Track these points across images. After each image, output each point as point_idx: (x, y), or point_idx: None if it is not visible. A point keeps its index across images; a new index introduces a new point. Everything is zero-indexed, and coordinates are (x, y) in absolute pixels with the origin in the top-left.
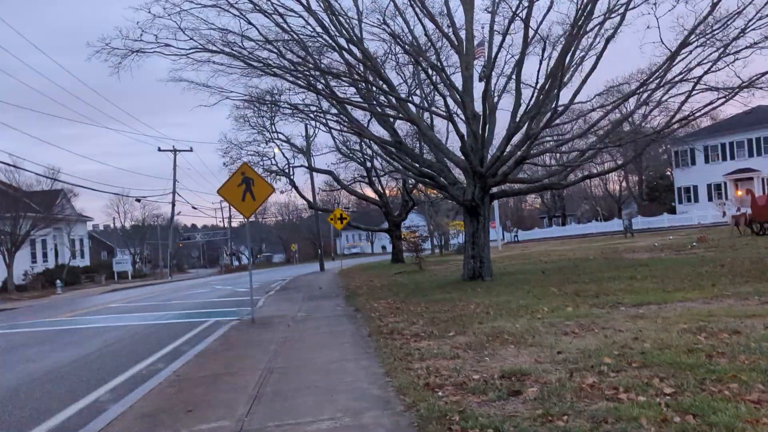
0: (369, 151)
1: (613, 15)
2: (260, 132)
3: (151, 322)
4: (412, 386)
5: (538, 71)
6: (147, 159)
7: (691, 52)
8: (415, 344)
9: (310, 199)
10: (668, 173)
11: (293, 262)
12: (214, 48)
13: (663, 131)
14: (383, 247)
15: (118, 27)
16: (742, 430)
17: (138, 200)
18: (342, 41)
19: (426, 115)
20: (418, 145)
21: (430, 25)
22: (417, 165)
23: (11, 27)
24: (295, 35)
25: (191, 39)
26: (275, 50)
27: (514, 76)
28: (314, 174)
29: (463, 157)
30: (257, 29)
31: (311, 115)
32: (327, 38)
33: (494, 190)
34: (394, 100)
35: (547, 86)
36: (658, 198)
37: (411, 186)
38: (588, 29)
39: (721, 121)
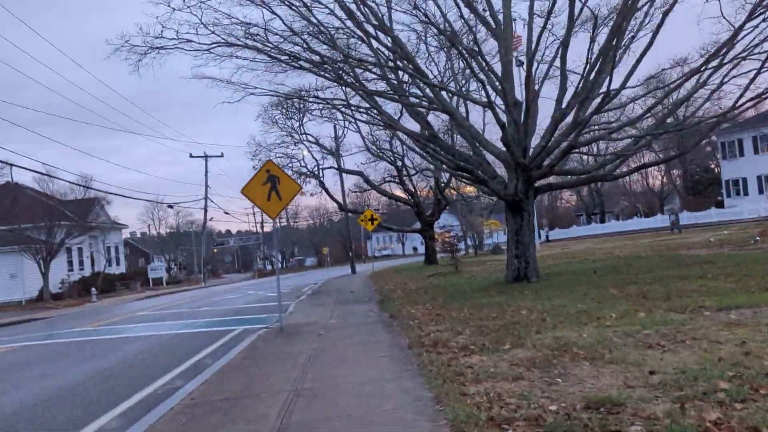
0: (399, 150)
1: None
2: (289, 134)
3: (176, 331)
4: (472, 421)
5: (589, 50)
6: (180, 167)
7: (757, 26)
8: (466, 360)
9: (340, 200)
10: (712, 166)
11: (325, 266)
12: (238, 42)
13: (731, 112)
14: (414, 249)
15: (137, 23)
16: None
17: (170, 206)
18: (370, 28)
19: (461, 107)
20: (451, 140)
21: (465, 10)
22: (453, 159)
23: (47, 41)
24: (321, 27)
25: (213, 33)
26: (301, 42)
27: (558, 59)
28: (344, 175)
29: (503, 149)
30: (281, 19)
31: (340, 109)
32: (354, 27)
33: (539, 183)
34: (427, 90)
35: (597, 67)
36: (702, 192)
37: (443, 184)
38: (640, 4)
39: None
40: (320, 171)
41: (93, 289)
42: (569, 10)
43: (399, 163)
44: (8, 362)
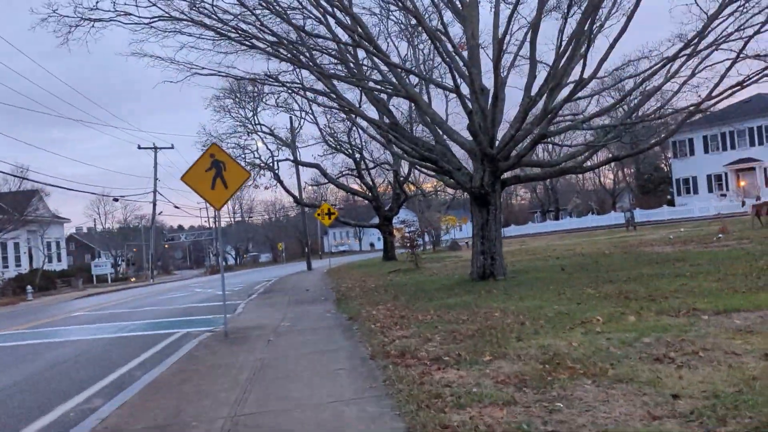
0: (358, 142)
1: None
2: (242, 124)
3: (109, 335)
4: None
5: (561, 33)
6: (131, 161)
7: (732, 14)
8: (441, 375)
9: (296, 194)
10: (662, 165)
11: (280, 262)
12: (182, 16)
13: (703, 104)
14: (372, 245)
15: None
16: None
17: (116, 200)
18: (328, 6)
19: (423, 96)
20: (411, 131)
21: None
22: (416, 148)
23: None
24: (274, 4)
25: (154, 5)
26: (254, 21)
27: (528, 44)
28: (300, 168)
29: (469, 138)
30: None
31: (297, 92)
32: (311, 5)
33: (506, 175)
34: (390, 76)
35: (568, 53)
36: (652, 191)
37: (403, 178)
38: None
39: (720, 110)
40: (275, 163)
41: (29, 287)
42: None
43: (357, 156)
44: None
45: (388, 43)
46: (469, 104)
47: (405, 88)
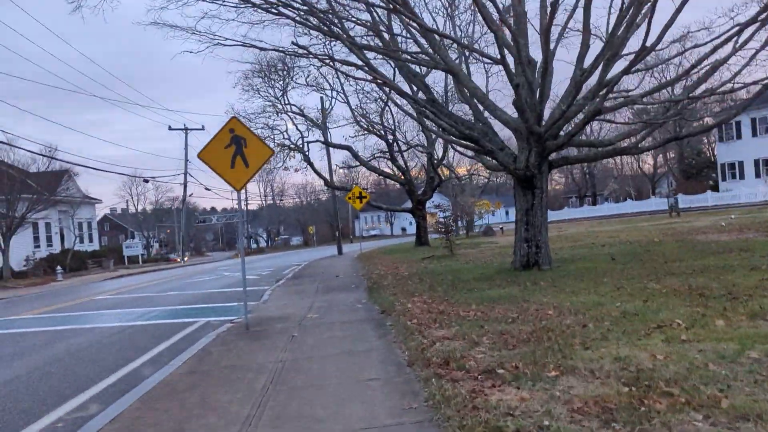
0: (391, 122)
1: None
2: (272, 104)
3: (127, 322)
4: None
5: None
6: (165, 143)
7: None
8: (497, 396)
9: (327, 177)
10: (705, 149)
11: (311, 245)
12: None
13: None
14: (403, 229)
15: None
16: None
17: (146, 181)
18: None
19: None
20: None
21: None
22: (456, 126)
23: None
24: None
25: None
26: None
27: (581, 9)
28: (331, 151)
29: (514, 115)
30: None
31: (328, 63)
32: None
33: (554, 156)
34: (426, 46)
35: (628, 16)
36: (694, 176)
37: (437, 161)
38: None
39: None
40: (305, 145)
41: (59, 267)
42: None
43: (390, 138)
44: None
45: (423, 17)
46: (515, 78)
47: (444, 60)
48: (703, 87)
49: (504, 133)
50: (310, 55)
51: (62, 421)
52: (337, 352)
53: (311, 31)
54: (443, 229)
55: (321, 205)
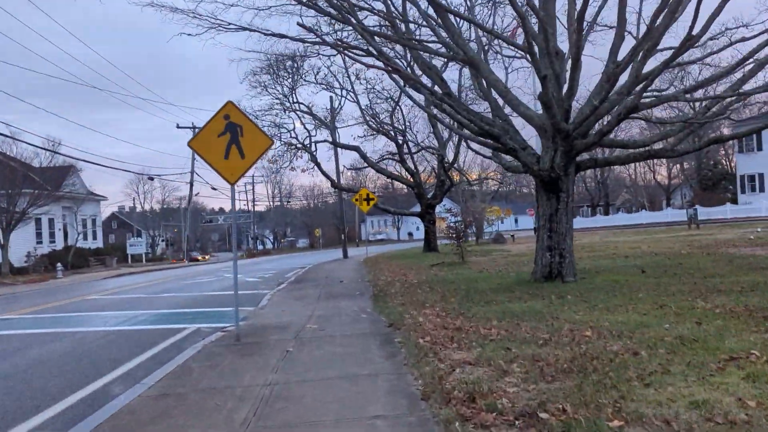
0: (401, 123)
1: None
2: (280, 102)
3: (113, 327)
4: None
5: None
6: (172, 143)
7: None
8: None
9: (334, 178)
10: (722, 160)
11: (317, 248)
12: None
13: None
14: (410, 234)
15: None
16: None
17: (151, 178)
18: None
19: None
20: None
21: None
22: (475, 121)
23: (46, 14)
24: None
25: None
26: None
27: None
28: (339, 152)
29: (539, 111)
30: None
31: (341, 51)
32: None
33: (581, 157)
34: (443, 33)
35: (670, 2)
36: (711, 187)
37: (448, 164)
38: None
39: None
40: (313, 144)
41: (59, 264)
42: None
43: (400, 139)
44: None
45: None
46: (543, 69)
47: (464, 50)
48: (752, 84)
49: (524, 132)
50: (319, 42)
51: None
52: (336, 374)
53: (319, 22)
54: (454, 235)
55: (328, 207)
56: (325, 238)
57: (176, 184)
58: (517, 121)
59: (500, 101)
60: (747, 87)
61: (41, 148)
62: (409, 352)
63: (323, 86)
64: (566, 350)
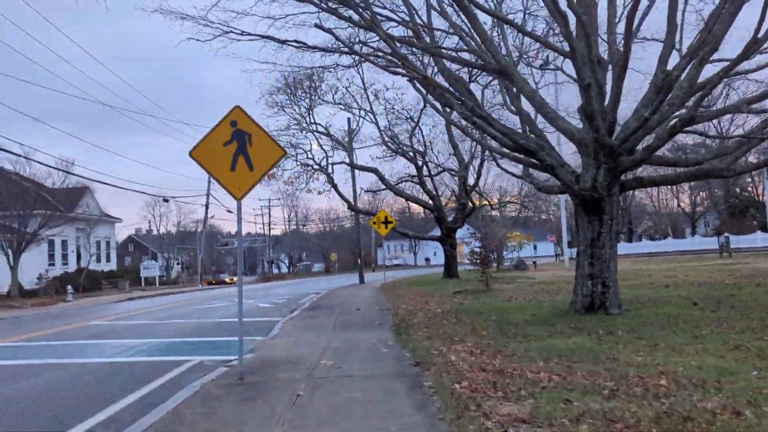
0: (421, 143)
1: None
2: (297, 122)
3: (108, 358)
4: None
5: None
6: (193, 167)
7: None
8: None
9: (351, 200)
10: (750, 187)
11: (332, 272)
12: None
13: None
14: (427, 260)
15: None
16: None
17: (166, 200)
18: None
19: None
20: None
21: None
22: (509, 136)
23: (68, 37)
24: None
25: None
26: None
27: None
28: (356, 173)
29: (580, 125)
30: None
31: (368, 59)
32: None
33: (626, 175)
34: (473, 42)
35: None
36: (738, 215)
37: (470, 187)
38: None
39: None
40: (329, 166)
41: (69, 287)
42: None
43: (419, 161)
44: None
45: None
46: (586, 77)
47: (496, 57)
48: None
49: (560, 149)
50: (338, 50)
51: None
52: (356, 431)
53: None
54: (479, 261)
55: (344, 232)
56: (340, 262)
57: (192, 207)
58: (553, 137)
59: (532, 115)
60: None
61: (54, 168)
62: (444, 402)
63: (341, 106)
64: (644, 406)
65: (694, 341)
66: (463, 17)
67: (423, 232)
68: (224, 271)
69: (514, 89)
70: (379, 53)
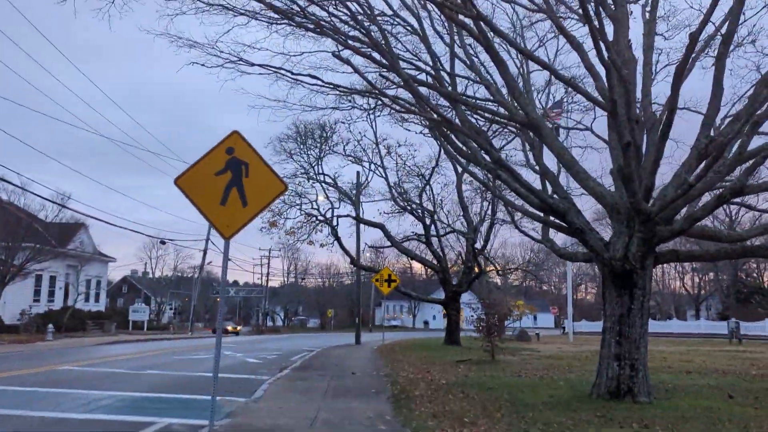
0: (431, 198)
1: None
2: (305, 171)
3: (63, 413)
4: None
5: None
6: (192, 210)
7: None
8: None
9: (354, 255)
10: (754, 274)
11: (328, 329)
12: None
13: None
14: (425, 323)
15: None
16: None
17: (163, 243)
18: None
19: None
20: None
21: None
22: (536, 195)
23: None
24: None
25: None
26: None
27: (714, 59)
28: (361, 228)
29: (613, 188)
30: None
31: (376, 95)
32: None
33: (660, 247)
34: (502, 85)
35: None
36: (743, 300)
37: (478, 250)
38: None
39: None
40: (335, 218)
41: (50, 326)
42: None
43: (428, 220)
44: None
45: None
46: (626, 135)
47: (525, 110)
48: None
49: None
50: (357, 91)
51: None
52: None
53: (354, 83)
54: (485, 329)
55: (342, 288)
56: (336, 319)
57: (190, 252)
58: (579, 200)
59: (565, 175)
60: None
61: (49, 200)
62: None
63: (351, 158)
64: None
65: None
66: (486, 66)
67: (424, 293)
68: (230, 318)
69: (543, 145)
70: (399, 100)
